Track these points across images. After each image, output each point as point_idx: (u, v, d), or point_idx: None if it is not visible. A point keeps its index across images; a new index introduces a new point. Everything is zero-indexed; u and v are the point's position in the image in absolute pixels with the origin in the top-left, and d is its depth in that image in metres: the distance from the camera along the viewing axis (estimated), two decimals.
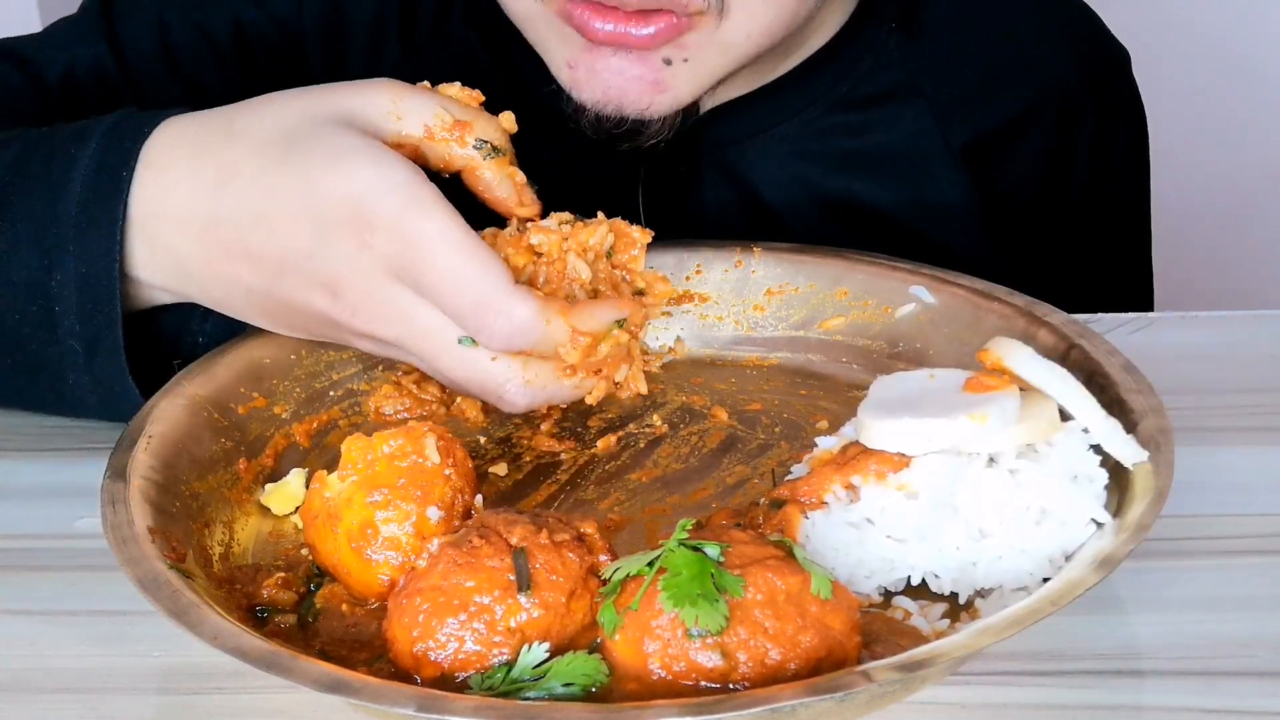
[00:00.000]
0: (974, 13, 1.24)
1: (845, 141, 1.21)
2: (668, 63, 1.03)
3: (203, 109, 0.96)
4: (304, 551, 0.86)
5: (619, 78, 1.04)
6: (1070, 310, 0.97)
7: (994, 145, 1.22)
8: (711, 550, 0.73)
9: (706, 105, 1.18)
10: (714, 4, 1.01)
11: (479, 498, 0.84)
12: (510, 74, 1.19)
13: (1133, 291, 1.33)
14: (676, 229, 1.10)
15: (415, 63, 1.22)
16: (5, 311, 0.94)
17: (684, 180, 1.21)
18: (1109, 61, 1.29)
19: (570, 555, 0.76)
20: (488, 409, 0.99)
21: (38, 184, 0.94)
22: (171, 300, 0.97)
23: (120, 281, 0.92)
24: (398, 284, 0.89)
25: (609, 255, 0.97)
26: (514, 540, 0.76)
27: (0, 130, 1.00)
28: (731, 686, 0.71)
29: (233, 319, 0.96)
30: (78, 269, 0.92)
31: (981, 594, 0.80)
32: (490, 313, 0.88)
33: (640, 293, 0.99)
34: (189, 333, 0.99)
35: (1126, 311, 1.09)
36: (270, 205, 0.90)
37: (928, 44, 1.21)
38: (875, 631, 0.76)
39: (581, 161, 1.16)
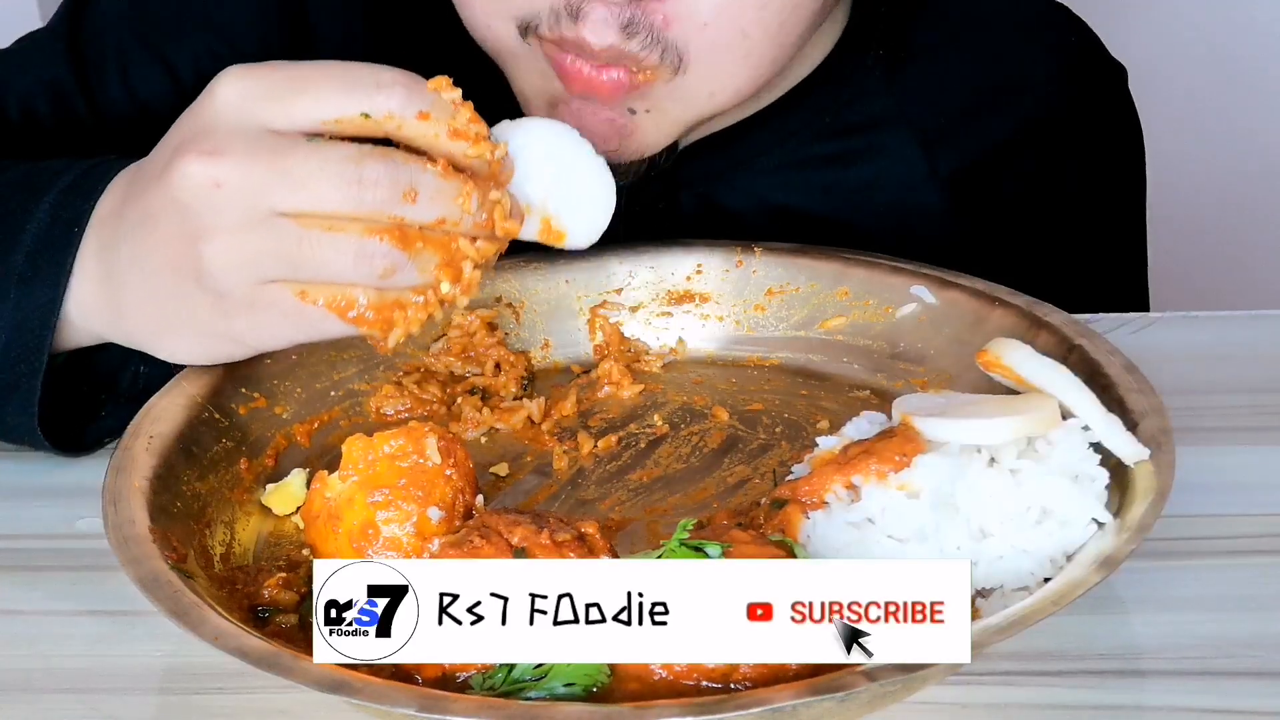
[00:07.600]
0: (962, 37, 1.21)
1: (828, 172, 1.18)
2: (632, 112, 1.02)
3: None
4: (305, 552, 0.86)
5: (589, 119, 1.02)
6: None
7: (983, 171, 1.20)
8: (713, 550, 0.73)
9: (684, 142, 1.14)
10: (670, 61, 0.98)
11: (480, 498, 0.84)
12: (480, 92, 1.18)
13: (1126, 306, 1.31)
14: None
15: None
16: None
17: (663, 213, 1.19)
18: (1103, 81, 1.26)
19: (571, 555, 0.76)
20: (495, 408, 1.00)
21: None
22: (97, 340, 0.93)
23: (54, 330, 0.90)
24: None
25: None
26: (515, 540, 0.76)
27: None
28: (733, 686, 0.71)
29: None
30: (14, 316, 0.90)
31: (982, 594, 0.80)
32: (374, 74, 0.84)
33: None
34: (128, 370, 0.97)
35: None
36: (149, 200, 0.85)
37: (914, 71, 1.19)
38: None
39: None
